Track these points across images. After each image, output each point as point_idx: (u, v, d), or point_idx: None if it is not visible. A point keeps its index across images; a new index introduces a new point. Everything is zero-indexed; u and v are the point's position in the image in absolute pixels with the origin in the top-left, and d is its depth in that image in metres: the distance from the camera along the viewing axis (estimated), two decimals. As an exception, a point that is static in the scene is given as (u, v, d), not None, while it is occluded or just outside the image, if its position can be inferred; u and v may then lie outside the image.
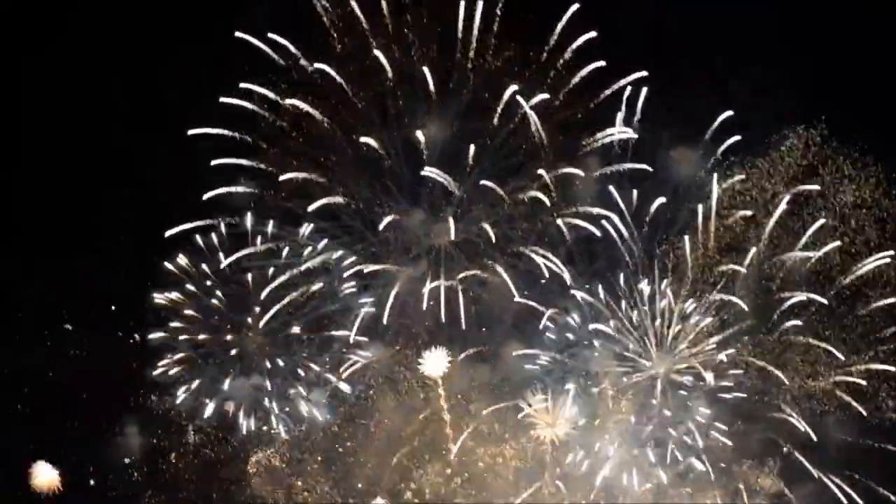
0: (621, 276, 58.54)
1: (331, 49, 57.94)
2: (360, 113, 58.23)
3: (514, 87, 56.91)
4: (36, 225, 60.28)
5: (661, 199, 57.64)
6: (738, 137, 57.75)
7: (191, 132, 57.36)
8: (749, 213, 58.10)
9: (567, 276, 58.04)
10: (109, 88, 59.88)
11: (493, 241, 58.31)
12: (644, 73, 57.39)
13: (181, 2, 60.35)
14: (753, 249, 57.53)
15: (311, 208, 57.87)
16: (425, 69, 57.20)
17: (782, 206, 57.63)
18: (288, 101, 57.65)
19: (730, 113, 57.70)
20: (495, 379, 59.16)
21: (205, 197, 57.97)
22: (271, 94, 57.69)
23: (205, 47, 58.75)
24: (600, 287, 58.54)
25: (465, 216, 59.10)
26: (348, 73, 57.76)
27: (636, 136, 58.05)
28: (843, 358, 57.11)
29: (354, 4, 57.50)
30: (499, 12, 57.44)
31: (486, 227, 58.16)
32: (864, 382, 57.35)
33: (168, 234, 58.34)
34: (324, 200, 57.83)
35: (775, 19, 59.66)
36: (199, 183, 57.93)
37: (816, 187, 58.03)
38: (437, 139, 57.76)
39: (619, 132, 57.96)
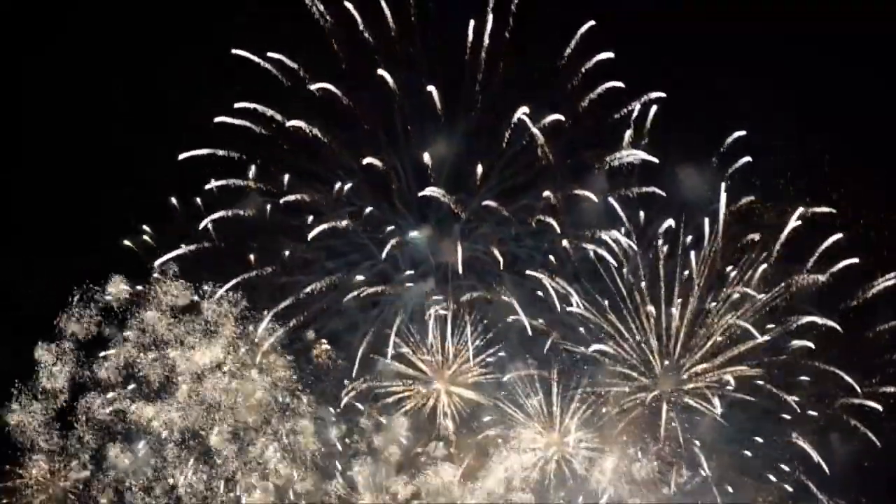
0: (627, 295, 58.16)
1: (337, 68, 57.82)
2: (366, 132, 58.19)
3: (524, 110, 56.82)
4: (36, 225, 60.23)
5: (670, 222, 57.39)
6: (747, 159, 57.39)
7: (182, 156, 57.64)
8: (757, 236, 57.56)
9: (574, 298, 57.73)
10: (109, 88, 59.87)
11: (500, 260, 58.22)
12: (661, 94, 57.25)
13: (181, 2, 60.25)
14: (763, 268, 57.12)
15: (311, 235, 57.85)
16: (432, 89, 57.03)
17: (792, 225, 57.19)
18: (291, 123, 57.56)
19: (742, 133, 57.53)
20: (501, 397, 58.93)
21: (202, 225, 58.21)
22: (278, 116, 57.66)
23: (205, 47, 58.65)
24: (606, 306, 58.16)
25: (473, 233, 58.80)
26: (355, 93, 57.73)
27: (647, 157, 57.60)
28: (855, 386, 56.54)
29: (361, 24, 57.47)
30: (507, 35, 57.24)
31: (493, 248, 58.12)
32: (876, 405, 56.86)
33: (158, 262, 58.75)
34: (322, 227, 57.81)
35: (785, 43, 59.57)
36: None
37: (829, 210, 57.47)
38: (446, 157, 57.60)
39: (627, 155, 57.49)
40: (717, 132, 57.57)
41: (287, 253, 58.65)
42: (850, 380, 56.49)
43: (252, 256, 59.00)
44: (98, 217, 60.01)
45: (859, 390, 56.72)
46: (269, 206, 58.42)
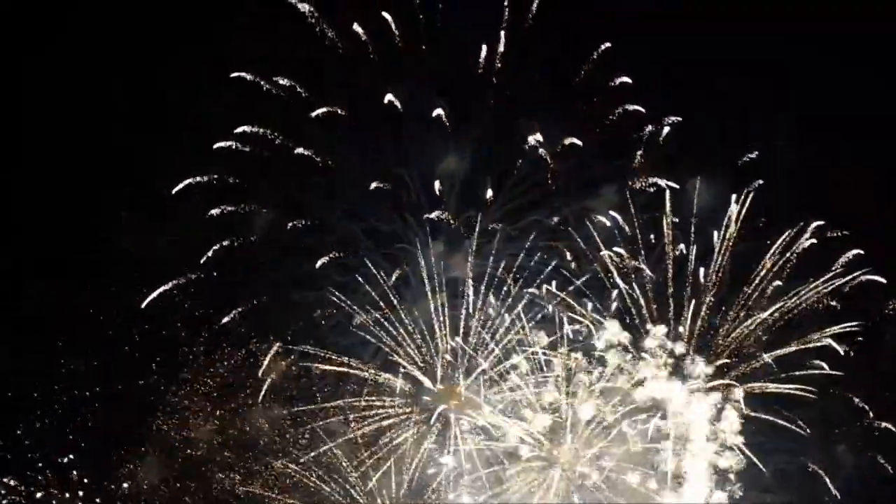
0: (636, 312, 58.09)
1: (341, 77, 57.64)
2: (374, 146, 57.97)
3: (537, 137, 57.10)
4: (36, 225, 59.97)
5: (680, 246, 57.62)
6: (760, 181, 57.36)
7: (180, 186, 57.28)
8: (768, 256, 57.38)
9: (583, 314, 57.67)
10: (109, 88, 59.69)
11: (509, 278, 57.94)
12: (678, 119, 57.51)
13: (181, 2, 60.26)
14: (775, 284, 57.16)
15: (318, 264, 57.43)
16: (440, 111, 56.90)
17: (806, 243, 57.14)
18: (298, 151, 57.43)
19: (753, 155, 57.64)
20: (512, 415, 58.47)
21: (203, 259, 57.80)
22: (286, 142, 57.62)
23: (205, 47, 58.66)
24: (615, 322, 58.04)
25: (484, 249, 58.36)
26: (362, 108, 57.54)
27: (665, 183, 57.88)
28: (865, 407, 56.66)
29: (371, 47, 57.40)
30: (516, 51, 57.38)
31: (503, 264, 57.91)
32: (890, 427, 56.94)
33: (146, 302, 58.07)
34: (327, 257, 57.57)
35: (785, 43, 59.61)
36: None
37: (843, 232, 57.51)
38: (456, 172, 57.70)
39: (643, 181, 57.98)
40: (719, 135, 58.07)
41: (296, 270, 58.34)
42: (858, 401, 56.70)
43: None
44: (98, 217, 59.97)
45: (870, 413, 56.87)
46: (273, 222, 58.21)
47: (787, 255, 57.15)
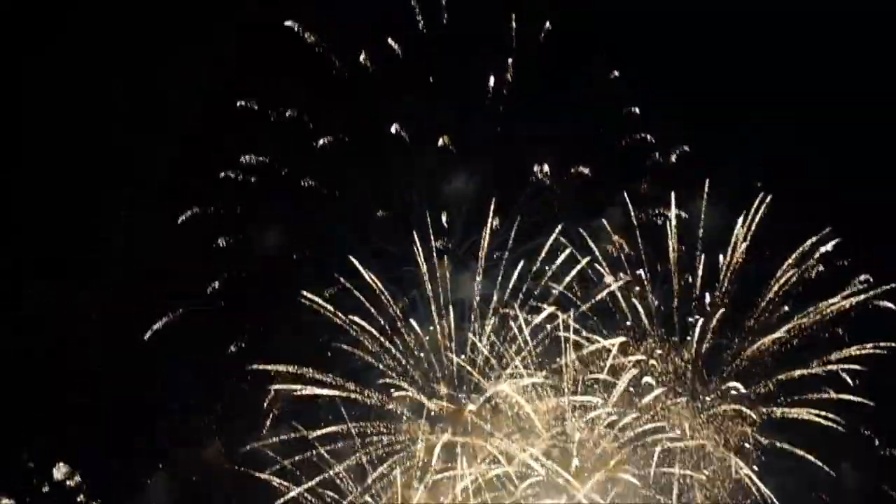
0: (641, 335, 58.00)
1: (347, 110, 57.65)
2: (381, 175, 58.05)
3: (545, 169, 57.63)
4: (35, 225, 59.83)
5: (687, 276, 57.63)
6: (769, 196, 57.18)
7: (183, 216, 57.25)
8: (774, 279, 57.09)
9: (588, 338, 57.41)
10: (109, 88, 59.62)
11: (517, 298, 57.67)
12: (685, 148, 57.61)
13: (181, 2, 60.08)
14: (783, 308, 57.04)
15: (328, 293, 57.19)
16: (445, 137, 57.11)
17: (814, 268, 57.03)
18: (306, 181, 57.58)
19: (758, 183, 57.54)
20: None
21: (210, 289, 57.60)
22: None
23: (205, 47, 58.77)
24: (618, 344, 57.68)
25: (491, 272, 58.05)
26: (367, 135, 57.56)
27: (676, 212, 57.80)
28: (874, 439, 56.54)
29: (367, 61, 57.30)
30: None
31: (509, 288, 57.73)
32: None
33: (148, 334, 57.70)
34: (331, 289, 57.24)
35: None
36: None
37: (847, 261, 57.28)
38: (462, 197, 57.98)
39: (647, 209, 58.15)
40: (725, 157, 57.59)
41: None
42: (864, 428, 56.45)
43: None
44: (98, 217, 59.90)
45: (876, 440, 56.65)
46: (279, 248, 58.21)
47: (794, 278, 57.03)
